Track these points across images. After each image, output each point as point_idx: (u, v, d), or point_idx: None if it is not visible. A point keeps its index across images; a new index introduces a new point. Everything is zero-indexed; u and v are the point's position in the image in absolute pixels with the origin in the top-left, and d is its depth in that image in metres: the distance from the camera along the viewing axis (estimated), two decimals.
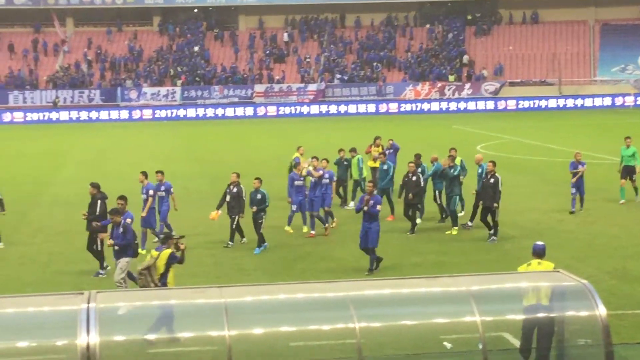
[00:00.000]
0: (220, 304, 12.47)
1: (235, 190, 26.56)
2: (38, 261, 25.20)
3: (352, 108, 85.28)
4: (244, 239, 26.96)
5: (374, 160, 33.60)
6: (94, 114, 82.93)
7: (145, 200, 26.41)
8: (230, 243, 26.67)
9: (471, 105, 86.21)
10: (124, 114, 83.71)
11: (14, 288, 22.47)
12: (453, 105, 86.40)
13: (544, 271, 14.94)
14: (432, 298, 13.46)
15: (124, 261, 20.52)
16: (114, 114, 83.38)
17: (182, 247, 18.94)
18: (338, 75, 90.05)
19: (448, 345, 13.54)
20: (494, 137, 59.63)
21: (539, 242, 16.75)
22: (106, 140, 63.10)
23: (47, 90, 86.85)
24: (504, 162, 46.47)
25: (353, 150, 33.31)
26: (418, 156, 30.18)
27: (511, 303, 13.88)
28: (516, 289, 13.86)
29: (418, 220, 28.93)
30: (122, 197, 21.81)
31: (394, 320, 13.02)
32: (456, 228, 28.40)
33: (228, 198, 26.58)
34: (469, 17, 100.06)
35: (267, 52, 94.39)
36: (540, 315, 13.86)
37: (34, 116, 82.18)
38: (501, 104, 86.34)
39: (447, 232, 28.30)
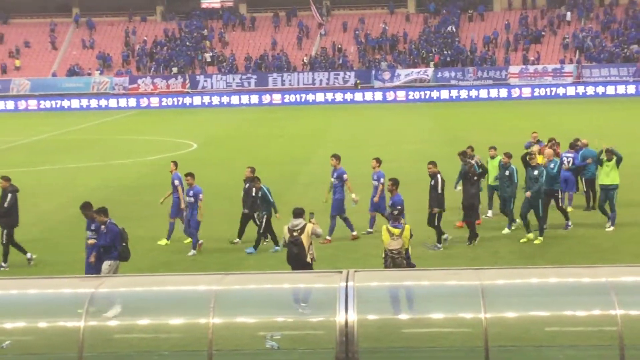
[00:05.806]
0: (476, 286, 12.43)
1: (247, 186, 25.12)
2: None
3: (610, 89, 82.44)
4: (276, 247, 24.81)
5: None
6: (348, 96, 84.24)
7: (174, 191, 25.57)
8: (237, 240, 25.32)
9: None
10: (378, 95, 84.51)
11: (270, 265, 23.17)
12: None
13: None
14: None
15: (106, 264, 19.44)
16: (368, 96, 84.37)
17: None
18: (596, 56, 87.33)
19: None
20: None
21: None
22: (360, 122, 64.00)
23: (304, 72, 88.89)
24: None
25: (492, 148, 28.80)
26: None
27: None
28: None
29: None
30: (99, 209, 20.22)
31: None
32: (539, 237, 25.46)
33: (242, 195, 25.27)
34: None
35: (522, 32, 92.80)
36: None
37: (292, 98, 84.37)
38: None
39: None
